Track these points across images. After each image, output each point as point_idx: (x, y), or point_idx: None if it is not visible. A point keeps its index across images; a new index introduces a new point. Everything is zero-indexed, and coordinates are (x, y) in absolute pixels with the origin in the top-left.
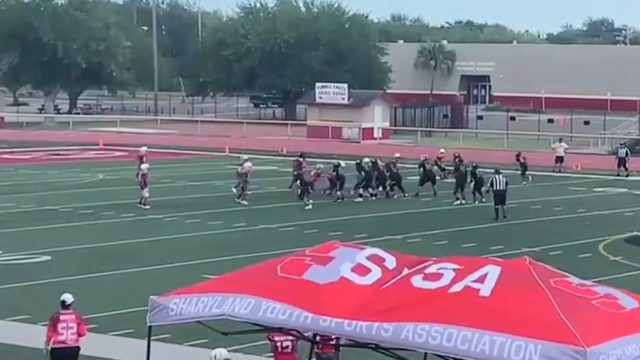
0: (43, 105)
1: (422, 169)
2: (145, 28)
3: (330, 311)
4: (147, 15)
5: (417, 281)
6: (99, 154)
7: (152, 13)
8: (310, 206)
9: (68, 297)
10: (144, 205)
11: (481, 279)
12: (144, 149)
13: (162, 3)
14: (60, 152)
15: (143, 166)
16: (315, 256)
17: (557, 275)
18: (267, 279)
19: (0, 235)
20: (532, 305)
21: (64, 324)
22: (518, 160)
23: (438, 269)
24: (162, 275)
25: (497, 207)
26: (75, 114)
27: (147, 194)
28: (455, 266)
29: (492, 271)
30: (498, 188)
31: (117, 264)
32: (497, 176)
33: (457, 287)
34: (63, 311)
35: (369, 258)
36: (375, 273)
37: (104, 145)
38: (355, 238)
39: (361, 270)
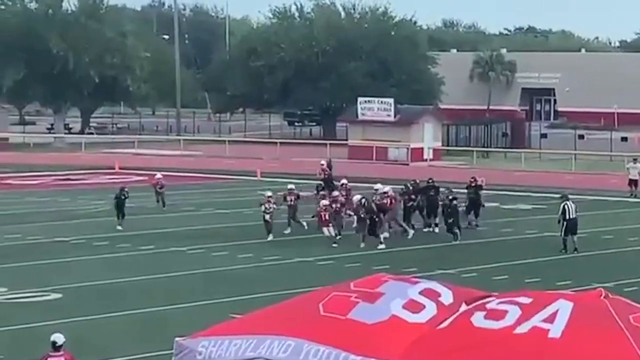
0: (52, 125)
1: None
2: (166, 37)
3: (380, 354)
4: (168, 23)
5: (479, 320)
6: (114, 178)
7: (173, 20)
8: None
9: (59, 338)
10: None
11: (551, 318)
12: (158, 175)
13: (185, 9)
14: (72, 177)
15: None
16: (362, 292)
17: (636, 310)
18: (308, 318)
19: (4, 270)
20: (609, 348)
21: None
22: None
23: (502, 306)
24: (186, 314)
25: (566, 237)
26: (88, 133)
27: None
28: (522, 302)
29: (563, 308)
30: (570, 217)
31: (136, 302)
32: (567, 203)
33: (523, 328)
34: (53, 353)
35: (422, 293)
36: (430, 309)
37: (120, 168)
38: (403, 273)
39: (414, 306)
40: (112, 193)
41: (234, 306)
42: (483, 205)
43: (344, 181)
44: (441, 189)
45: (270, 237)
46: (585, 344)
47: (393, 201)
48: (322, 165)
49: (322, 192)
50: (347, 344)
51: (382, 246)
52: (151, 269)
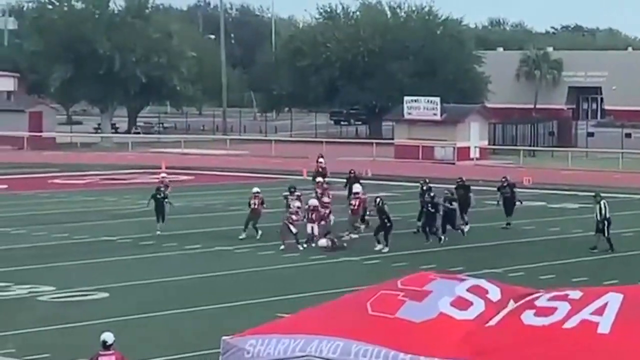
0: (99, 124)
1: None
2: (212, 37)
3: (430, 351)
4: (214, 23)
5: (528, 317)
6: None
7: (219, 20)
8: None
9: (109, 337)
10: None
11: (600, 311)
12: (163, 175)
13: (231, 8)
14: (118, 177)
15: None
16: (410, 290)
17: None
18: (356, 317)
19: (52, 269)
20: None
21: None
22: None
23: (551, 302)
24: (232, 313)
25: (600, 235)
26: (134, 133)
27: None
28: (571, 297)
29: (613, 300)
30: (601, 217)
31: (182, 301)
32: (601, 203)
33: (572, 322)
34: (103, 352)
35: (469, 290)
36: (478, 306)
37: (167, 168)
38: (450, 272)
39: (462, 303)
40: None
41: (280, 305)
42: (520, 202)
43: (320, 179)
44: (445, 191)
45: (243, 235)
46: (636, 338)
47: (361, 204)
48: (320, 162)
49: (297, 194)
50: (395, 343)
51: (378, 247)
52: (197, 268)
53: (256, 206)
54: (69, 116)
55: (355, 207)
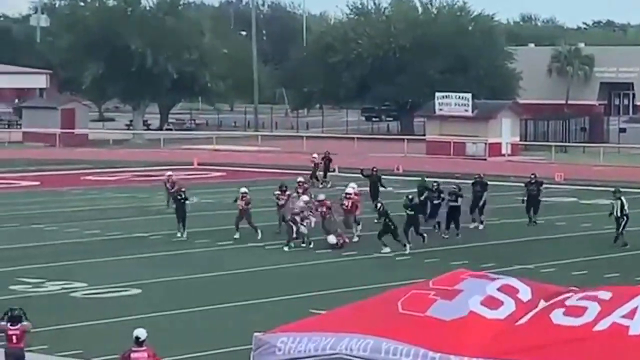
0: (131, 121)
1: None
2: (244, 33)
3: (459, 350)
4: (245, 19)
5: (558, 317)
6: (193, 174)
7: (251, 16)
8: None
9: (142, 333)
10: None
11: (630, 314)
12: (169, 172)
13: (263, 5)
14: (150, 173)
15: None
16: (441, 290)
17: None
18: (387, 316)
19: (84, 266)
20: None
21: None
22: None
23: (581, 302)
24: (264, 310)
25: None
26: (166, 130)
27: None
28: (601, 297)
29: None
30: (619, 214)
31: (214, 297)
32: (620, 199)
33: (603, 324)
34: (135, 348)
35: (500, 289)
36: (508, 306)
37: (199, 164)
38: (482, 268)
39: (492, 302)
40: (190, 189)
41: (312, 302)
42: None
43: (301, 179)
44: (453, 185)
45: (237, 235)
46: None
47: (354, 204)
48: (315, 158)
49: (287, 193)
50: (425, 341)
51: (385, 250)
52: (230, 264)
53: (243, 207)
54: (101, 113)
55: (348, 207)
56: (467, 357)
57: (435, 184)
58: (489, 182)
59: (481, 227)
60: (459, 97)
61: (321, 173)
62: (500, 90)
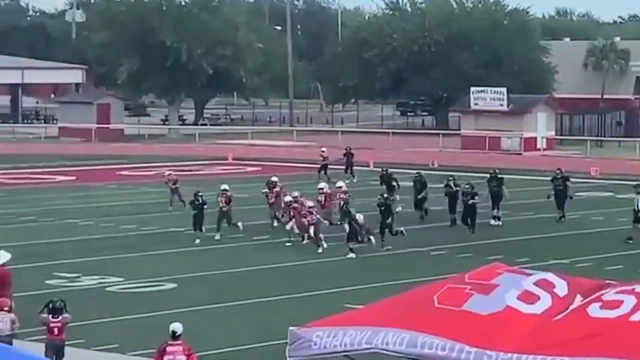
0: (166, 116)
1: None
2: (279, 28)
3: (496, 345)
4: (280, 14)
5: (595, 311)
6: (227, 169)
7: (286, 11)
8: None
9: (178, 327)
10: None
11: None
12: (169, 172)
13: (298, 0)
14: (186, 168)
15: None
16: (477, 284)
17: None
18: (423, 310)
19: (121, 261)
20: None
21: (171, 356)
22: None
23: (618, 296)
24: (299, 305)
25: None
26: (201, 125)
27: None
28: (638, 290)
29: None
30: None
31: (249, 292)
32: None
33: (638, 315)
34: (171, 342)
35: (536, 284)
36: (545, 300)
37: (234, 159)
38: (517, 263)
39: (529, 297)
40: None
41: (347, 296)
42: (571, 197)
43: (275, 179)
44: (466, 184)
45: (217, 237)
46: None
47: (327, 198)
48: (323, 152)
49: (275, 189)
50: (461, 336)
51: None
52: (265, 259)
53: (222, 204)
54: (136, 108)
55: (323, 202)
56: (503, 352)
57: (450, 178)
58: (525, 177)
59: (498, 223)
60: (494, 92)
61: (322, 170)
62: (535, 85)
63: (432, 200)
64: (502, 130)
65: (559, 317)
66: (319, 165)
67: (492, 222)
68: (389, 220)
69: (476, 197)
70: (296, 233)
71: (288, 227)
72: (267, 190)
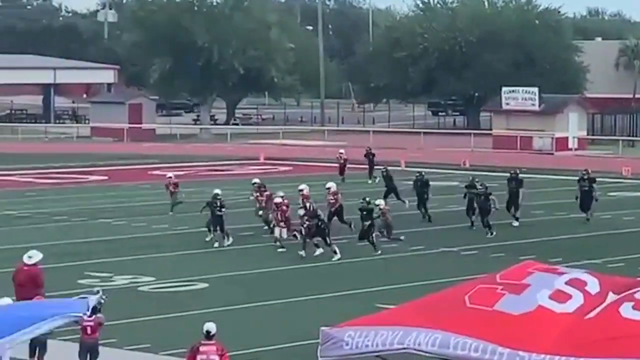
0: (198, 116)
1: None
2: (310, 28)
3: (528, 345)
4: (311, 14)
5: (627, 311)
6: (259, 169)
7: (317, 11)
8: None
9: (212, 327)
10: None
11: None
12: (169, 176)
13: (329, 0)
14: (217, 168)
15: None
16: (508, 284)
17: None
18: (454, 310)
19: (152, 260)
20: None
21: (204, 356)
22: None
23: None
24: (330, 305)
25: None
26: (233, 124)
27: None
28: None
29: None
30: None
31: (281, 292)
32: None
33: None
34: (205, 342)
35: (568, 283)
36: (577, 299)
37: (265, 159)
38: (549, 263)
39: (560, 296)
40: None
41: (378, 296)
42: (596, 200)
43: (256, 180)
44: (479, 185)
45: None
46: None
47: (304, 199)
48: (341, 154)
49: (265, 193)
50: (494, 336)
51: (336, 257)
52: (297, 259)
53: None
54: (169, 107)
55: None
56: (536, 353)
57: (470, 177)
58: (557, 177)
59: (516, 224)
60: (526, 92)
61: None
62: (567, 85)
63: (459, 199)
64: (533, 130)
65: (591, 315)
66: (338, 167)
67: (515, 223)
68: (369, 224)
69: (490, 198)
70: (285, 238)
71: (276, 234)
72: (257, 194)
